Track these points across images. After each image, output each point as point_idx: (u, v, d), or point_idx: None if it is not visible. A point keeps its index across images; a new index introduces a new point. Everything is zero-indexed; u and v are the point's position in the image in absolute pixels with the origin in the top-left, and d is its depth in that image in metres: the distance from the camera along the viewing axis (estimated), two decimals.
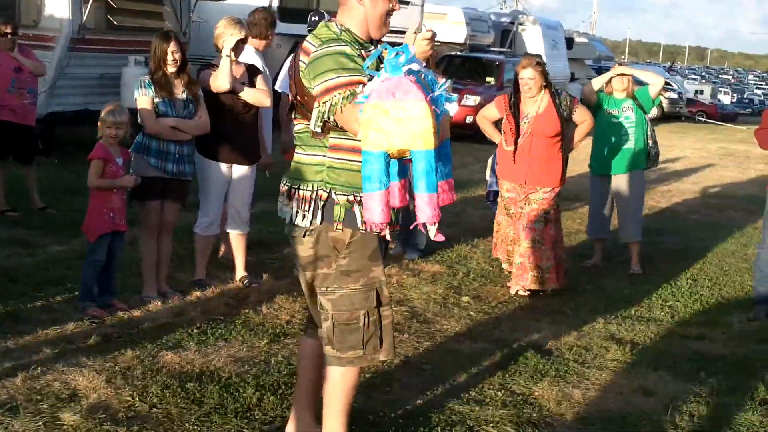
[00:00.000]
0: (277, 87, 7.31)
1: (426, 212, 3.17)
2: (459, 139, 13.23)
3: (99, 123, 5.72)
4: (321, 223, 3.52)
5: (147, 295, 6.03)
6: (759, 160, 19.66)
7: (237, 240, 6.73)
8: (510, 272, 7.08)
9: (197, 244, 6.62)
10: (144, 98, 5.95)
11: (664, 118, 31.62)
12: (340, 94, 3.34)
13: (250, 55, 6.74)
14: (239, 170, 6.55)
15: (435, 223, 3.23)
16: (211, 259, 6.78)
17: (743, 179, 16.04)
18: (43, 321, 5.44)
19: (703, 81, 64.38)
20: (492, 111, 7.30)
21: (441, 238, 3.30)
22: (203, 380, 4.66)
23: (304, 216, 3.54)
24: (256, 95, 6.42)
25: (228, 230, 6.73)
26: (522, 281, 6.83)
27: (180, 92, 6.03)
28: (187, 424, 4.14)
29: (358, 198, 3.44)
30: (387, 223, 3.27)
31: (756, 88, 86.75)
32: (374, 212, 3.21)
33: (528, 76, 6.73)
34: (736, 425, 4.54)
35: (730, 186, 14.93)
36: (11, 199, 8.68)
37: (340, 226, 3.50)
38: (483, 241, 8.67)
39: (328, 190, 3.50)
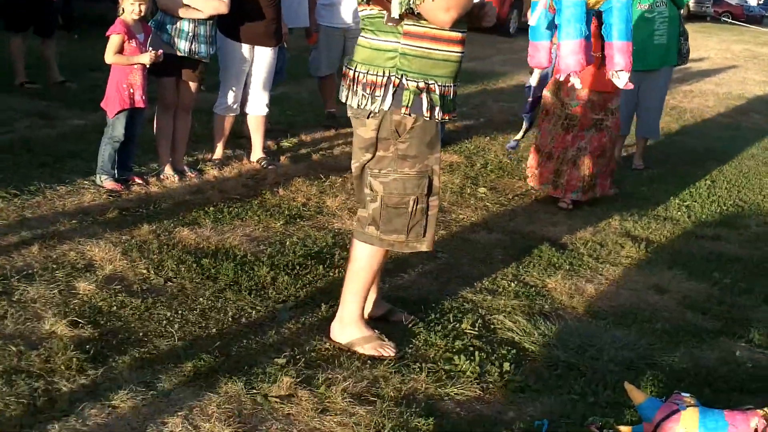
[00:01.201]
0: None
1: (622, 60, 3.31)
2: (479, 30, 13.02)
3: None
4: (389, 108, 3.55)
5: (160, 170, 6.02)
6: None
7: (256, 121, 6.69)
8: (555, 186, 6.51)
9: (216, 124, 6.59)
10: None
11: (690, 17, 30.96)
12: None
13: None
14: (261, 52, 6.46)
15: (629, 71, 3.35)
16: (230, 139, 6.74)
17: (767, 82, 15.80)
18: (60, 193, 5.45)
19: None
20: None
21: (630, 86, 3.57)
22: (218, 257, 4.68)
23: (372, 99, 3.57)
24: None
25: (247, 111, 6.68)
26: (603, 189, 6.57)
27: None
28: (201, 299, 4.17)
29: (429, 84, 3.52)
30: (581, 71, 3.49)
31: None
32: (572, 59, 3.34)
33: None
34: (747, 326, 4.54)
35: (754, 89, 14.70)
36: (31, 72, 8.61)
37: (407, 111, 3.54)
38: (502, 134, 8.62)
39: (400, 76, 3.53)
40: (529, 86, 6.48)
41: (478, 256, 5.19)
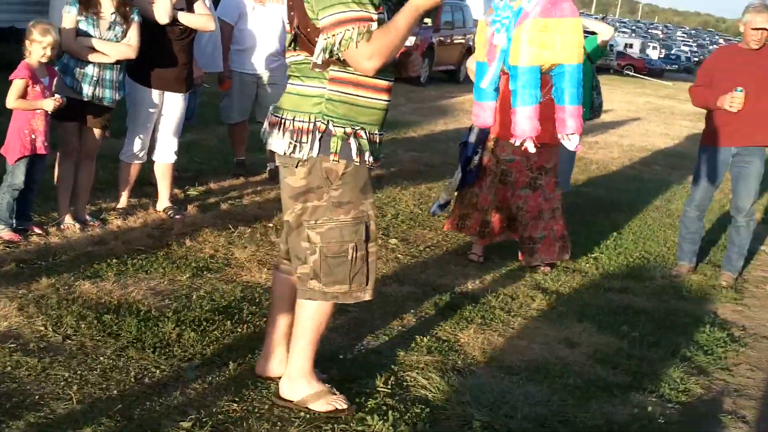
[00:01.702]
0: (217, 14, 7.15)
1: (573, 123, 3.32)
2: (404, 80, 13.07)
3: (25, 41, 5.45)
4: (317, 155, 3.51)
5: (60, 220, 5.82)
6: (684, 116, 19.96)
7: (163, 169, 6.54)
8: (480, 243, 6.42)
9: (121, 171, 6.42)
10: (68, 16, 5.69)
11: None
12: (354, 29, 3.34)
13: None
14: (171, 98, 6.35)
15: (579, 134, 3.45)
16: (135, 187, 6.57)
17: (668, 135, 16.26)
18: None
19: (633, 35, 65.06)
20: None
21: (580, 148, 3.49)
22: (121, 313, 4.50)
23: (299, 147, 3.53)
24: (200, 20, 6.24)
25: (154, 159, 6.52)
26: (548, 255, 6.34)
27: (109, 13, 5.75)
28: (101, 358, 3.99)
29: (354, 130, 3.51)
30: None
31: (683, 44, 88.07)
32: (527, 125, 3.35)
33: None
34: (657, 380, 4.56)
35: (656, 141, 15.12)
36: None
37: (336, 158, 3.51)
38: (412, 184, 8.61)
39: (326, 122, 3.50)
40: (465, 142, 6.41)
41: (389, 310, 5.12)
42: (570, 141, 3.46)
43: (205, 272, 5.36)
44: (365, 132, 3.56)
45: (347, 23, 3.34)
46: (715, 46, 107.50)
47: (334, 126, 3.51)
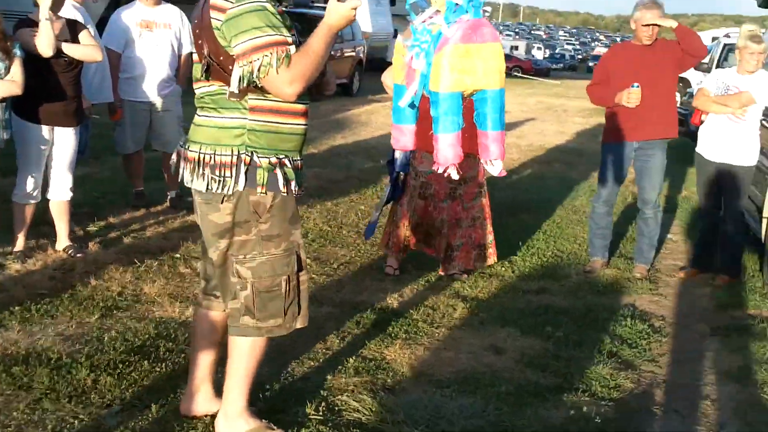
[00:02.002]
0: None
1: (496, 149, 3.23)
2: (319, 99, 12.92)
3: None
4: (243, 188, 3.37)
5: None
6: (576, 113, 20.33)
7: (59, 207, 6.26)
8: (396, 256, 6.33)
9: (15, 213, 6.12)
10: None
11: None
12: (272, 54, 3.21)
13: (68, 9, 6.30)
14: (62, 133, 6.09)
15: (502, 159, 3.39)
16: (31, 228, 6.28)
17: (563, 132, 16.50)
18: None
19: (518, 37, 66.32)
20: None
21: (504, 173, 3.43)
22: (30, 363, 4.25)
23: (223, 182, 3.37)
24: (86, 51, 6.02)
25: (49, 197, 6.25)
26: (465, 262, 6.27)
27: None
28: (15, 413, 3.76)
29: (280, 159, 3.39)
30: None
31: (566, 43, 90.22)
32: (450, 153, 3.25)
33: None
34: (587, 379, 4.54)
35: (552, 139, 15.31)
36: None
37: (263, 190, 3.37)
38: (318, 201, 8.48)
39: (250, 153, 3.35)
40: (390, 160, 6.31)
41: (311, 333, 4.94)
42: (494, 166, 3.42)
43: (114, 311, 5.13)
44: (289, 160, 3.45)
45: (264, 48, 3.22)
46: (596, 43, 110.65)
47: (258, 157, 3.38)
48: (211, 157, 3.39)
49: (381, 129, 14.30)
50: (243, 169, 3.36)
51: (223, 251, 3.51)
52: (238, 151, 3.36)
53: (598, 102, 6.79)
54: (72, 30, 6.05)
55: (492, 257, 6.39)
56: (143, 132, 7.76)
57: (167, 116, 7.70)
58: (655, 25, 6.38)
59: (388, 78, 5.99)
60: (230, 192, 3.39)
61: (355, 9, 3.29)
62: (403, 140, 3.66)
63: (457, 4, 3.30)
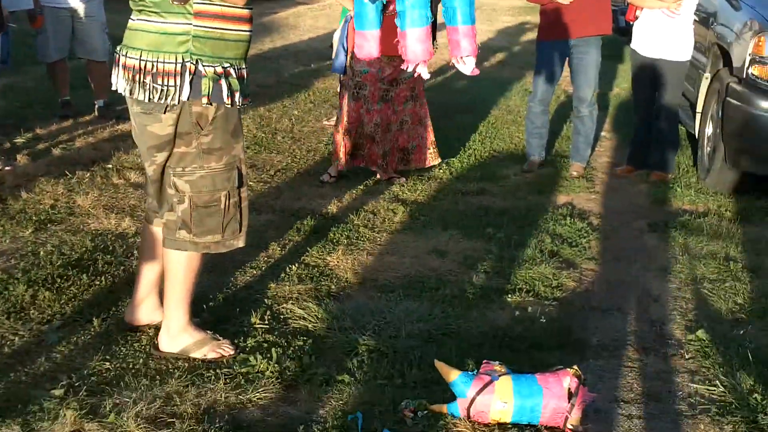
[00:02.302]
0: None
1: (468, 45, 3.11)
2: None
3: None
4: (187, 98, 3.22)
5: None
6: (505, 12, 20.11)
7: None
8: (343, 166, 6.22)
9: None
10: None
11: None
12: None
13: None
14: None
15: (475, 56, 3.27)
16: None
17: (493, 31, 16.35)
18: None
19: None
20: None
21: (477, 72, 3.33)
22: None
23: (165, 92, 3.22)
24: None
25: None
26: (391, 167, 6.26)
27: None
28: None
29: (225, 68, 3.25)
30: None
31: None
32: (419, 48, 3.11)
33: None
34: (530, 279, 4.56)
35: (482, 38, 15.14)
36: None
37: (207, 101, 3.23)
38: (250, 107, 8.27)
39: (195, 62, 3.21)
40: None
41: (252, 242, 4.79)
42: (465, 65, 3.30)
43: (48, 225, 4.99)
44: (234, 69, 3.31)
45: None
46: None
47: (203, 66, 3.23)
48: (153, 65, 3.24)
49: (309, 32, 14.03)
50: (188, 78, 3.22)
51: (161, 164, 3.40)
52: (183, 59, 3.22)
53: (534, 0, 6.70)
54: None
55: (433, 158, 6.37)
56: (66, 39, 7.48)
57: (90, 22, 7.45)
58: None
59: None
60: (174, 102, 3.25)
61: None
62: (367, 47, 3.51)
63: None
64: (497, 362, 3.34)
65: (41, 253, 4.53)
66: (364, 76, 6.01)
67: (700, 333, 3.96)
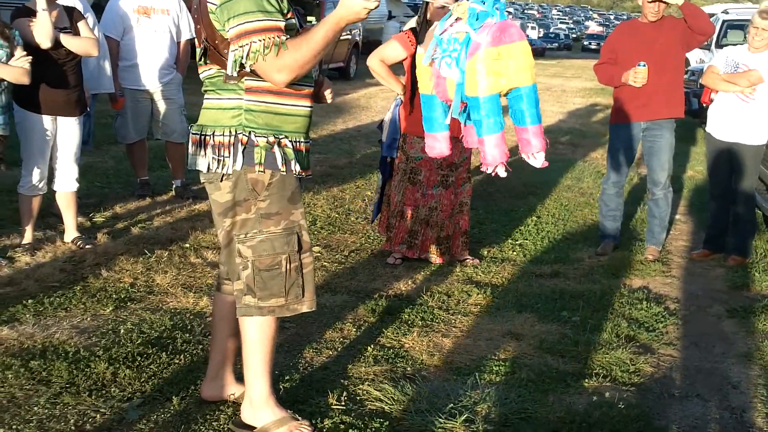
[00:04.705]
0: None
1: (537, 142, 3.20)
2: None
3: None
4: (241, 167, 3.38)
5: None
6: (575, 93, 20.27)
7: (66, 198, 6.21)
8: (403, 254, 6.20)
9: (22, 205, 6.06)
10: None
11: None
12: (260, 40, 3.20)
13: None
14: (65, 123, 6.03)
15: (544, 151, 3.35)
16: (38, 220, 6.22)
17: (564, 113, 16.43)
18: None
19: (511, 17, 66.07)
20: (393, 50, 6.14)
21: (546, 164, 3.39)
22: (48, 357, 4.21)
23: (222, 161, 3.40)
24: (81, 44, 5.94)
25: (55, 189, 6.19)
26: (454, 250, 6.24)
27: None
28: (36, 408, 3.71)
29: (278, 139, 3.40)
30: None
31: (560, 22, 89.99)
32: (497, 153, 3.27)
33: None
34: (607, 364, 4.50)
35: (553, 120, 15.23)
36: None
37: (261, 168, 3.38)
38: (324, 188, 8.44)
39: (247, 133, 3.37)
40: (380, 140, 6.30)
41: (327, 322, 4.94)
42: (536, 159, 3.41)
43: (128, 303, 5.09)
44: (289, 141, 3.44)
45: (253, 34, 3.20)
46: (589, 21, 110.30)
47: (256, 136, 3.38)
48: (210, 138, 3.41)
49: (381, 113, 14.19)
50: (240, 148, 3.37)
51: (228, 230, 3.51)
52: (236, 131, 3.38)
53: (605, 81, 6.74)
54: (70, 18, 5.98)
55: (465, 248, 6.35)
56: (145, 121, 7.71)
57: (169, 104, 7.65)
58: (661, 1, 6.31)
59: (374, 62, 6.10)
60: (229, 171, 3.40)
61: (369, 11, 3.25)
62: (439, 147, 3.65)
63: (479, 10, 3.29)
64: None
65: (121, 331, 4.61)
66: (419, 163, 6.06)
67: None
